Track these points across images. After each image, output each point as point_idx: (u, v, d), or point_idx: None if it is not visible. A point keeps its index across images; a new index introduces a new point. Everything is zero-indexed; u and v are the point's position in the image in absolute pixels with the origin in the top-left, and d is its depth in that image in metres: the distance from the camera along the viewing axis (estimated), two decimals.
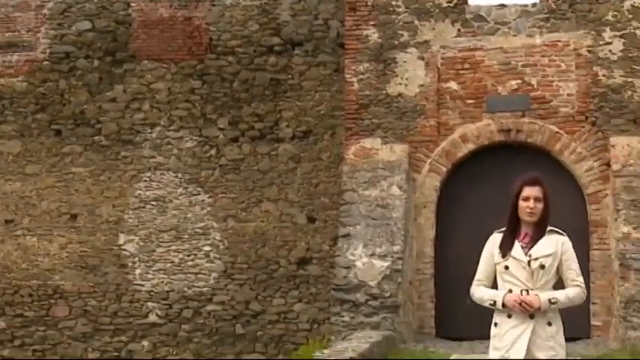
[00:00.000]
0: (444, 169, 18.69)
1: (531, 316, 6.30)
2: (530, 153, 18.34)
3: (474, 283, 6.74)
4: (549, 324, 6.34)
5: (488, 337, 18.74)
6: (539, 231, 6.45)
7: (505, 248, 6.46)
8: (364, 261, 17.41)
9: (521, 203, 6.47)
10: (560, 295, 6.37)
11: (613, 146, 17.94)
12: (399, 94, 18.88)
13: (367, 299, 17.01)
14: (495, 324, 6.50)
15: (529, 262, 6.35)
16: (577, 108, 18.35)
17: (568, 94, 18.42)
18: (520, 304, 6.24)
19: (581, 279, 6.51)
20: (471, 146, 18.68)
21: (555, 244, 6.41)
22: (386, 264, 17.29)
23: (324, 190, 20.23)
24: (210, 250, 20.52)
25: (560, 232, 6.54)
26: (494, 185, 18.17)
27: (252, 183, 20.57)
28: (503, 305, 6.36)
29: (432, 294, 18.44)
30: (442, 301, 18.38)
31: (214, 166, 20.77)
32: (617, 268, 16.95)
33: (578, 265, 6.57)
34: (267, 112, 20.68)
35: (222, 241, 20.51)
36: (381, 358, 14.62)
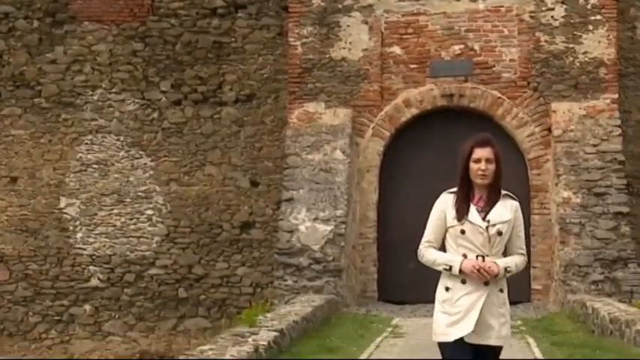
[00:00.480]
0: (388, 134, 18.68)
1: (486, 283, 6.03)
2: (473, 118, 18.38)
3: (423, 244, 6.25)
4: (501, 291, 6.12)
5: (430, 301, 18.83)
6: (493, 194, 6.17)
7: (461, 212, 6.11)
8: (307, 225, 17.38)
9: (473, 165, 6.13)
10: (512, 263, 6.14)
11: (554, 112, 18.05)
12: (343, 59, 18.79)
13: (310, 263, 17.00)
14: (447, 288, 6.12)
15: (487, 227, 6.05)
16: (519, 73, 18.42)
17: (510, 60, 18.47)
18: (479, 270, 5.95)
19: (524, 246, 6.29)
20: (414, 111, 18.69)
21: (511, 210, 6.16)
22: (329, 228, 17.28)
23: (267, 154, 20.12)
24: (152, 214, 20.34)
25: (513, 196, 6.27)
26: (437, 150, 18.24)
27: (195, 146, 20.39)
28: (460, 271, 6.03)
29: (374, 258, 18.48)
30: (385, 265, 18.44)
31: (157, 129, 20.55)
32: (557, 233, 17.11)
33: (523, 231, 6.30)
34: (210, 75, 20.47)
35: (165, 205, 20.34)
36: (324, 322, 14.62)
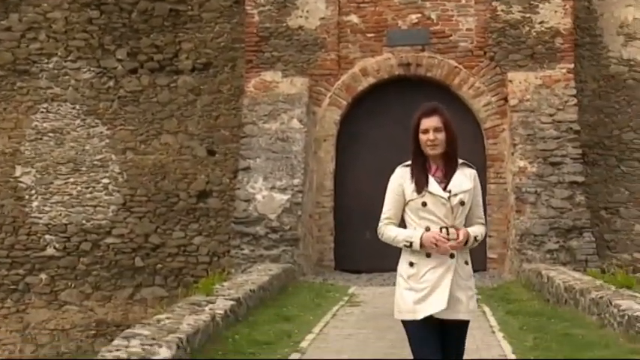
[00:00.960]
0: (344, 103, 18.62)
1: (452, 256, 5.76)
2: (430, 87, 18.35)
3: (382, 221, 5.99)
4: (466, 263, 5.86)
5: (386, 270, 18.91)
6: (450, 164, 5.90)
7: (420, 184, 5.84)
8: (264, 194, 17.31)
9: (422, 137, 5.88)
10: (476, 233, 5.90)
11: (510, 81, 18.07)
12: (300, 27, 18.66)
13: (267, 232, 16.95)
14: (411, 264, 5.83)
15: (449, 197, 5.79)
16: (476, 43, 18.41)
17: (467, 29, 18.45)
18: (436, 243, 5.68)
19: (484, 216, 6.09)
20: (371, 80, 18.63)
21: (470, 179, 5.91)
22: (286, 197, 17.22)
23: (224, 123, 19.97)
24: (109, 183, 20.14)
25: (470, 164, 6.02)
26: (393, 119, 18.18)
27: (152, 115, 20.19)
28: (421, 246, 5.73)
29: (331, 227, 18.47)
30: (341, 234, 18.43)
31: (113, 97, 20.32)
32: (513, 202, 17.18)
33: (481, 200, 6.10)
34: (166, 43, 20.24)
35: (122, 174, 20.15)
36: (281, 291, 14.59)
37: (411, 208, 5.89)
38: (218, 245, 19.56)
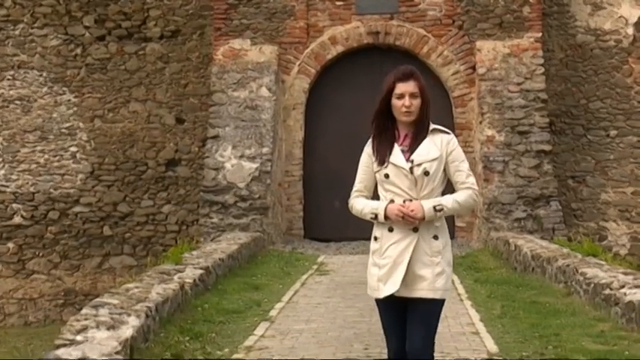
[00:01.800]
0: (313, 71, 18.57)
1: (415, 229, 5.43)
2: (398, 55, 18.29)
3: (353, 194, 5.73)
4: (435, 237, 5.47)
5: (355, 239, 18.95)
6: (420, 131, 5.53)
7: (382, 154, 5.52)
8: (233, 162, 17.26)
9: (396, 102, 5.50)
10: (447, 200, 5.48)
11: (479, 50, 18.08)
12: None
13: (236, 201, 16.92)
14: (375, 238, 5.56)
15: (411, 168, 5.44)
16: (444, 11, 18.39)
17: None
18: (403, 217, 5.35)
19: (472, 180, 5.62)
20: (340, 48, 18.59)
21: (440, 146, 5.51)
22: (255, 166, 17.18)
23: (192, 91, 19.86)
24: (76, 151, 20.00)
25: (445, 130, 5.62)
26: (362, 87, 18.18)
27: (120, 83, 20.04)
28: (386, 218, 5.43)
29: (300, 196, 18.47)
30: (310, 203, 18.44)
31: (80, 65, 20.13)
32: (481, 171, 17.23)
33: (467, 164, 5.64)
34: (134, 10, 20.06)
35: (89, 142, 20.01)
36: (250, 259, 14.59)
37: (378, 180, 5.62)
38: (187, 214, 19.52)
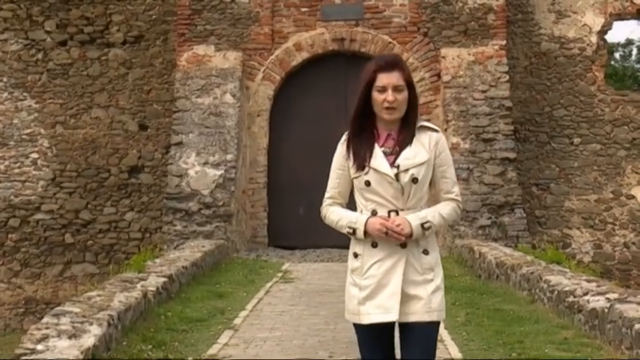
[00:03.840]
0: (278, 78, 18.58)
1: (403, 245, 4.71)
2: (364, 62, 18.30)
3: (325, 201, 4.97)
4: (426, 252, 4.77)
5: (319, 246, 18.97)
6: (406, 130, 4.77)
7: (361, 158, 4.76)
8: (197, 169, 17.23)
9: (377, 96, 4.70)
10: (434, 216, 4.78)
11: (444, 57, 18.19)
12: (233, 0, 18.56)
13: (200, 208, 16.89)
14: (356, 254, 4.83)
15: (397, 175, 4.69)
16: (410, 19, 18.47)
17: (401, 5, 18.51)
18: (387, 233, 4.64)
19: (457, 189, 4.93)
20: (305, 55, 18.62)
21: (428, 146, 4.76)
22: (219, 172, 17.16)
23: (156, 97, 19.81)
24: (37, 158, 19.88)
25: (434, 127, 4.86)
26: (327, 94, 18.26)
27: (82, 88, 19.95)
28: (366, 234, 4.71)
29: (265, 203, 18.46)
30: (275, 210, 18.43)
31: (41, 70, 20.02)
32: None
33: (454, 170, 4.94)
34: (96, 15, 19.99)
35: (51, 148, 19.90)
36: (214, 267, 14.57)
37: (356, 186, 4.85)
38: (150, 221, 19.45)
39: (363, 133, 4.81)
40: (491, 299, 11.57)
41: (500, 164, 17.14)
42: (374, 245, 4.74)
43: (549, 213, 19.02)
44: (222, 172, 17.15)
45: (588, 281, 10.21)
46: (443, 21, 18.30)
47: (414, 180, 4.72)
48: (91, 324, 7.56)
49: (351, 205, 4.92)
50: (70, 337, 7.01)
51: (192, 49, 18.49)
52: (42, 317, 8.15)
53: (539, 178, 19.11)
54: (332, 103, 18.46)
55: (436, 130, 4.84)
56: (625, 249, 18.93)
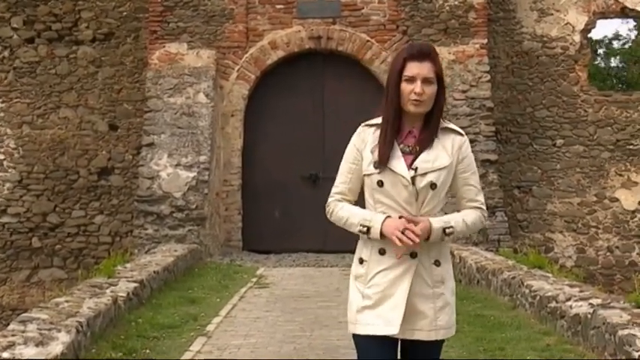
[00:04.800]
0: (253, 77, 18.57)
1: (413, 254, 4.46)
2: (341, 61, 18.45)
3: (333, 196, 4.68)
4: (437, 263, 4.52)
5: (295, 251, 18.99)
6: (429, 129, 4.53)
7: (383, 155, 4.46)
8: (169, 171, 17.19)
9: (404, 86, 4.46)
10: (457, 221, 4.55)
11: None
12: None
13: (172, 211, 16.84)
14: (361, 260, 4.58)
15: (413, 178, 4.45)
16: (388, 16, 18.50)
17: (379, 2, 18.55)
18: (403, 232, 4.33)
19: (482, 198, 4.73)
20: (280, 53, 18.61)
21: (451, 150, 4.54)
22: (192, 174, 17.12)
23: (126, 97, 19.76)
24: (3, 159, 19.79)
25: (458, 130, 4.63)
26: (304, 94, 18.28)
27: (50, 88, 19.87)
28: (382, 236, 4.42)
29: (239, 206, 18.44)
30: (250, 214, 18.42)
31: (8, 68, 19.94)
32: None
33: (478, 177, 4.74)
34: (65, 11, 19.91)
35: (17, 149, 19.81)
36: (186, 272, 14.54)
37: (367, 185, 4.58)
38: (120, 225, 19.40)
39: (389, 129, 4.53)
40: (472, 305, 11.60)
41: (481, 166, 17.16)
42: (381, 252, 4.49)
43: (531, 216, 19.11)
44: (195, 174, 17.12)
45: (571, 286, 10.25)
46: (422, 19, 18.34)
47: (432, 186, 4.50)
48: (59, 331, 7.53)
49: (361, 205, 4.70)
50: (37, 345, 6.98)
51: (164, 47, 18.45)
52: (8, 324, 8.11)
53: (521, 180, 19.19)
54: (308, 103, 18.48)
55: (461, 134, 4.63)
56: (609, 253, 19.04)
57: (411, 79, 4.47)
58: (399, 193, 4.47)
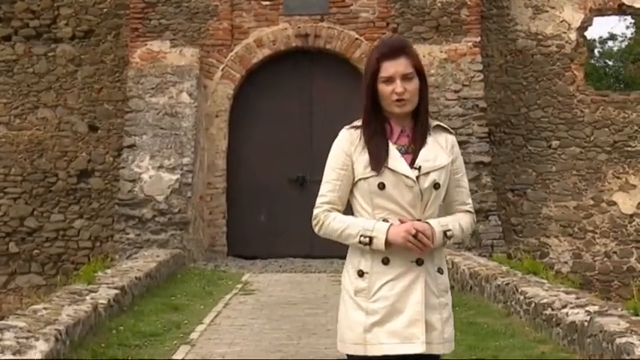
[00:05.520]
0: (238, 76, 18.57)
1: (419, 262, 4.26)
2: (329, 60, 18.47)
3: (321, 207, 4.42)
4: (440, 270, 4.35)
5: (282, 256, 19.01)
6: (421, 126, 4.38)
7: (379, 156, 4.29)
8: (151, 174, 17.18)
9: (384, 88, 4.29)
10: (454, 224, 4.41)
11: None
12: None
13: (154, 215, 16.83)
14: (361, 273, 4.31)
15: (418, 177, 4.28)
16: (378, 13, 18.52)
17: None
18: (415, 236, 4.16)
19: (470, 201, 4.60)
20: (266, 52, 18.61)
21: (447, 149, 4.41)
22: (175, 177, 17.11)
23: (107, 97, 19.73)
24: None
25: (448, 128, 4.53)
26: (290, 94, 18.29)
27: (27, 87, 19.83)
28: (387, 245, 4.21)
29: (224, 209, 18.43)
30: (235, 218, 18.41)
31: None
32: None
33: (466, 180, 4.59)
34: (43, 8, 19.88)
35: None
36: (169, 278, 14.55)
37: (361, 190, 4.37)
38: (101, 229, 19.37)
39: (378, 130, 4.35)
40: (465, 312, 11.61)
41: (473, 168, 17.21)
42: (385, 262, 4.25)
43: (526, 220, 19.14)
44: (178, 176, 17.10)
45: (567, 293, 10.28)
46: (413, 16, 18.36)
47: (436, 185, 4.32)
48: (37, 339, 7.52)
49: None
50: (14, 354, 6.96)
51: (145, 45, 18.43)
52: None
53: (515, 183, 19.22)
54: (295, 103, 18.48)
55: (451, 132, 4.52)
56: (606, 259, 19.09)
57: (389, 80, 4.30)
58: (402, 196, 4.28)
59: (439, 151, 4.36)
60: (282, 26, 18.61)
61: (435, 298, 4.27)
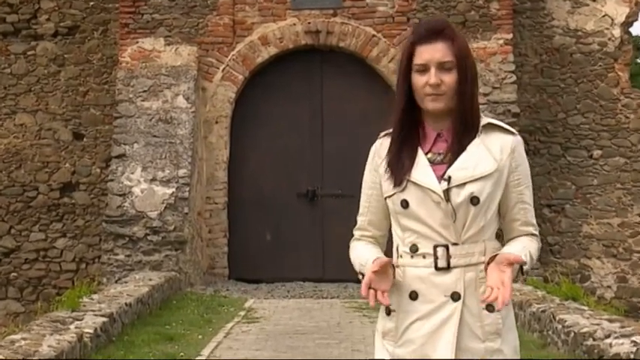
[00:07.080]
0: (241, 78, 18.62)
1: (455, 296, 3.86)
2: (342, 59, 18.50)
3: (354, 234, 4.19)
4: (490, 308, 3.85)
5: (289, 280, 19.04)
6: (463, 127, 3.93)
7: (398, 168, 3.92)
8: (143, 187, 17.23)
9: (417, 78, 3.91)
10: (526, 254, 3.95)
11: None
12: None
13: (146, 234, 16.87)
14: (389, 311, 3.96)
15: (447, 191, 3.85)
16: (397, 7, 18.56)
17: None
18: (370, 288, 3.80)
19: (535, 222, 4.18)
20: (272, 50, 18.66)
21: (500, 154, 3.92)
22: (169, 191, 17.16)
23: (94, 100, 19.81)
24: None
25: (508, 128, 4.02)
26: (299, 97, 18.33)
27: (4, 90, 19.93)
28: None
29: (225, 227, 18.46)
30: (237, 236, 18.44)
31: None
32: None
33: (532, 193, 4.10)
34: (22, 1, 19.98)
35: None
36: (163, 304, 14.59)
37: (391, 210, 4.02)
38: (86, 249, 19.42)
39: (403, 135, 3.98)
40: None
41: None
42: (413, 296, 3.90)
43: (564, 239, 19.12)
44: (174, 190, 17.15)
45: (610, 321, 10.27)
46: (437, 10, 18.39)
47: (473, 200, 3.86)
48: None
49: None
50: None
51: (137, 42, 18.51)
52: None
53: (552, 198, 19.21)
54: (305, 108, 18.52)
55: (512, 132, 4.02)
56: None
57: (424, 68, 3.90)
58: (430, 214, 3.87)
59: (485, 156, 3.90)
60: (290, 22, 18.65)
61: (479, 342, 3.85)
